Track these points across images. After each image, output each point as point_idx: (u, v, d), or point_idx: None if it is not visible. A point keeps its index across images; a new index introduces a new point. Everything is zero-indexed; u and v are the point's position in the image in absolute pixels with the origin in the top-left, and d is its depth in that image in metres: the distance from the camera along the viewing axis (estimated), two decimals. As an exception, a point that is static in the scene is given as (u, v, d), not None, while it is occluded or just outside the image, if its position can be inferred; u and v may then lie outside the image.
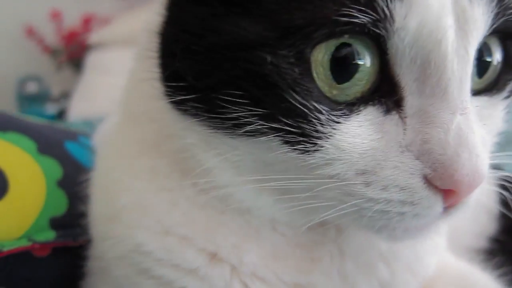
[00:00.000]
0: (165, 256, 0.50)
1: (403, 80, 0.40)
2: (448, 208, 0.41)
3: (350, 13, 0.36)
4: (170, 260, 0.50)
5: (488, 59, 0.44)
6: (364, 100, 0.40)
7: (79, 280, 0.64)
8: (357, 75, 0.39)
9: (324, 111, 0.39)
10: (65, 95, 2.66)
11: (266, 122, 0.39)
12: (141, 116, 0.54)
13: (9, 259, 0.60)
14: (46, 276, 0.64)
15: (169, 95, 0.44)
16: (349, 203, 0.41)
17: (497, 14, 0.41)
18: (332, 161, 0.40)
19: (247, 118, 0.39)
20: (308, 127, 0.39)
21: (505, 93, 0.46)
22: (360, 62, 0.39)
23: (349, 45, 0.38)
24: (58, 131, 0.81)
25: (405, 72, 0.39)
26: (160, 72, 0.45)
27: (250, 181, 0.45)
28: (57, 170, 0.70)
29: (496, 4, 0.41)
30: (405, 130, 0.40)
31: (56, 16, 2.78)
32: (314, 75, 0.39)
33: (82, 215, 0.62)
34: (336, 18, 0.36)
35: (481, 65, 0.44)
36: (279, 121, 0.39)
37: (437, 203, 0.41)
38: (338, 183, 0.40)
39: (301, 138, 0.39)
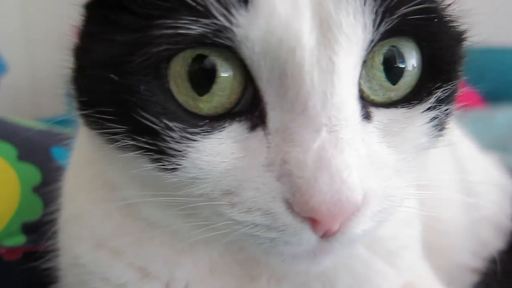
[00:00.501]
0: (96, 269, 0.50)
1: (265, 93, 0.37)
2: (326, 237, 0.37)
3: (183, 25, 0.34)
4: (101, 273, 0.50)
5: (401, 65, 0.39)
6: (231, 115, 0.37)
7: (51, 284, 0.66)
8: (216, 86, 0.36)
9: (176, 129, 0.37)
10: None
11: (128, 139, 0.38)
12: None
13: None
14: (17, 279, 0.67)
15: (76, 109, 0.44)
16: (220, 224, 0.39)
17: (384, 13, 0.36)
18: (194, 180, 0.38)
19: (114, 134, 0.39)
20: (162, 144, 0.37)
21: (428, 104, 0.41)
22: (223, 75, 0.36)
23: (205, 56, 0.36)
24: (48, 135, 0.82)
25: (266, 85, 0.36)
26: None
27: (149, 195, 0.43)
28: (35, 176, 0.72)
29: (379, 3, 0.36)
30: (268, 148, 0.37)
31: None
32: (174, 89, 0.37)
33: (53, 220, 0.64)
34: (171, 31, 0.34)
35: (394, 72, 0.39)
36: (135, 139, 0.38)
37: (305, 232, 0.37)
38: (206, 203, 0.38)
39: (158, 156, 0.38)
